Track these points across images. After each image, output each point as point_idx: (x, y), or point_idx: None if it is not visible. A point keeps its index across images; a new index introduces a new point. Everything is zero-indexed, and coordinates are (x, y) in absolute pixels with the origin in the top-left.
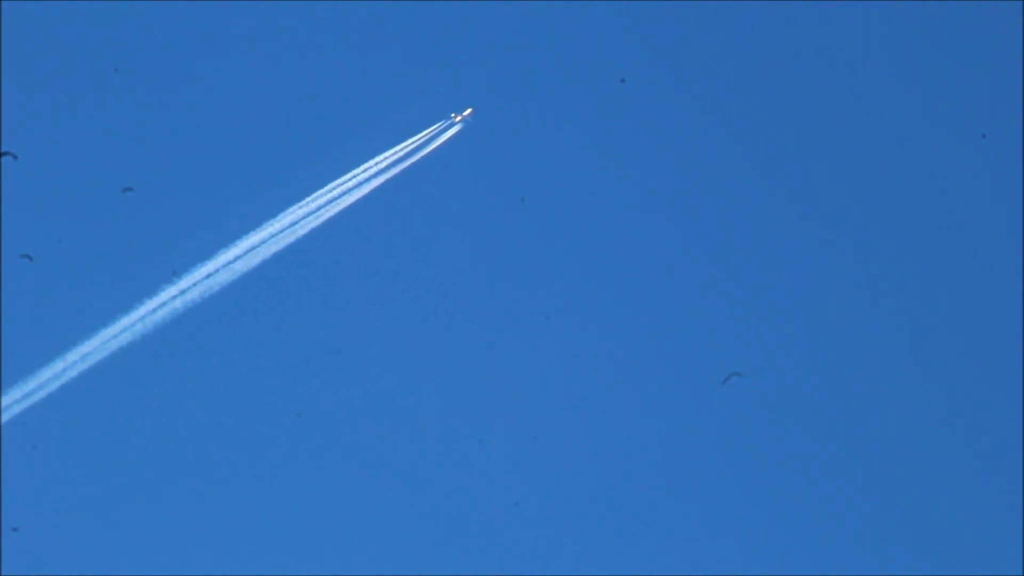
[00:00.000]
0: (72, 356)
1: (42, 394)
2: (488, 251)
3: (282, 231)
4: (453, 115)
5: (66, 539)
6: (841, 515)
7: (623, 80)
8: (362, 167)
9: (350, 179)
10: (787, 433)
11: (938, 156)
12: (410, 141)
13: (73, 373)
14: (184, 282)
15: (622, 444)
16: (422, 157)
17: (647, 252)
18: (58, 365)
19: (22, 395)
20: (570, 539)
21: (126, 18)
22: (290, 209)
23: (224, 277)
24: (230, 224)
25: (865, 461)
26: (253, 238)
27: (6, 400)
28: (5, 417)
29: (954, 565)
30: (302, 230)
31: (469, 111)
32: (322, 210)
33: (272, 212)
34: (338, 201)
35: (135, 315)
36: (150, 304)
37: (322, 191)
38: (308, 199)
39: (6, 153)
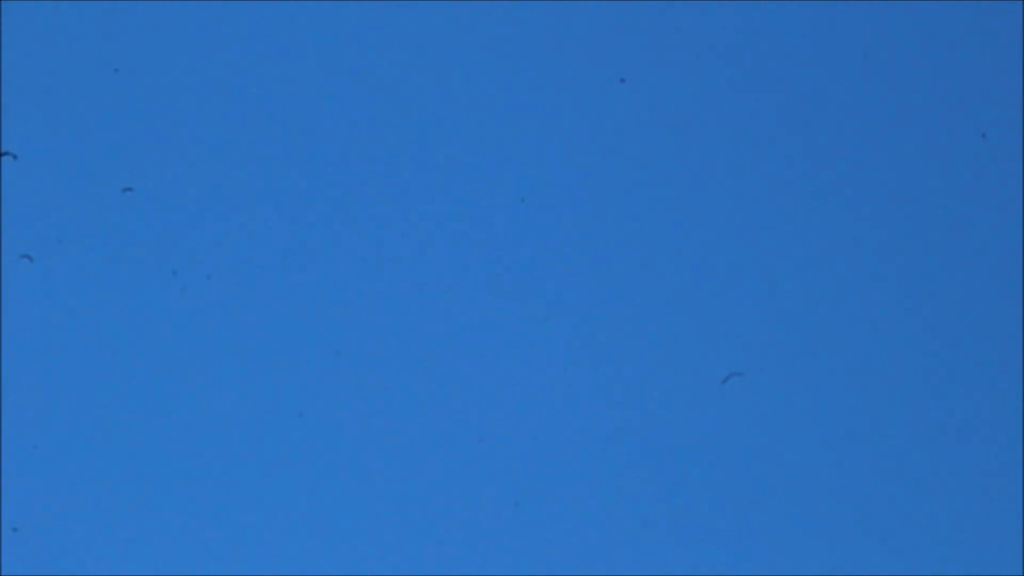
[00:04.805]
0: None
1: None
2: (487, 251)
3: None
4: None
5: (66, 539)
6: (841, 515)
7: (623, 80)
8: None
9: None
10: (787, 433)
11: (938, 156)
12: None
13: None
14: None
15: (622, 444)
16: None
17: (647, 252)
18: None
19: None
20: (570, 539)
21: (126, 18)
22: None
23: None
24: (230, 223)
25: (865, 461)
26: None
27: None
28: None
29: (954, 565)
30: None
31: None
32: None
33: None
34: None
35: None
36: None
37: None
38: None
39: (6, 153)
